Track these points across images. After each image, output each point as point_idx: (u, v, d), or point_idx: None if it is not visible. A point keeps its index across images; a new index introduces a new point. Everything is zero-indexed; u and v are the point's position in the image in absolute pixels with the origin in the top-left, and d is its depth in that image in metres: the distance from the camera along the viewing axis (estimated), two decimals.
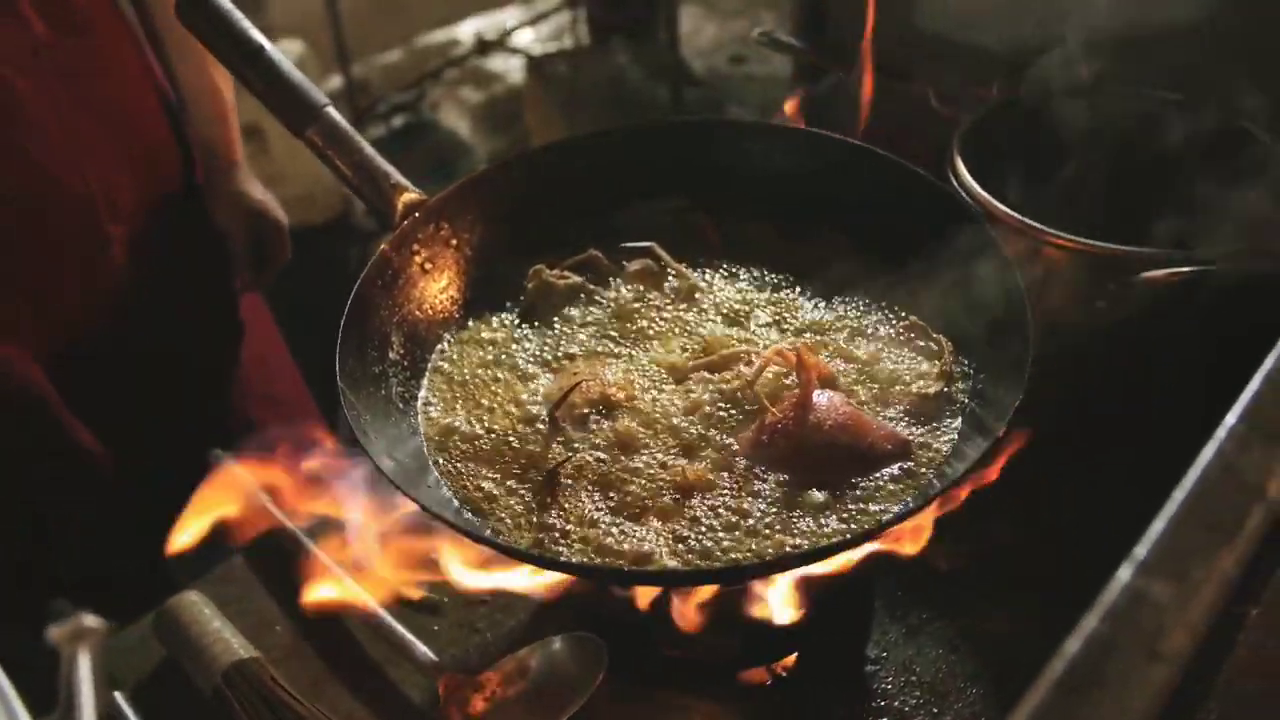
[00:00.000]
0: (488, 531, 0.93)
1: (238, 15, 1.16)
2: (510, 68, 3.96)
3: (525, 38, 4.22)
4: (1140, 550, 0.54)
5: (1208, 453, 0.60)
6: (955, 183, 1.26)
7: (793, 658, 1.13)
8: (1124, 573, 0.53)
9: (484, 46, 4.03)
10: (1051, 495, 1.29)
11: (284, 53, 3.37)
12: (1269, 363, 0.66)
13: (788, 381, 1.01)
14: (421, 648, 1.15)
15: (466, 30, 4.28)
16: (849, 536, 0.87)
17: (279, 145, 3.12)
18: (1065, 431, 1.28)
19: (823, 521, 0.91)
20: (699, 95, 3.10)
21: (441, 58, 4.09)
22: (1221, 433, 0.62)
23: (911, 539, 1.05)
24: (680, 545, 0.91)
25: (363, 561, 1.18)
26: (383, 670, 1.20)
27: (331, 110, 1.15)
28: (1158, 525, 0.56)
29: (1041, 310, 1.22)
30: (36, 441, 1.59)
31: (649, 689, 1.13)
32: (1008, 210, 1.20)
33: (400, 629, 1.17)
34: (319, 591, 1.18)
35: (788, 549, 0.89)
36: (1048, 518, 1.27)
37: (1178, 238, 1.19)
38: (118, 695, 1.15)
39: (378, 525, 1.12)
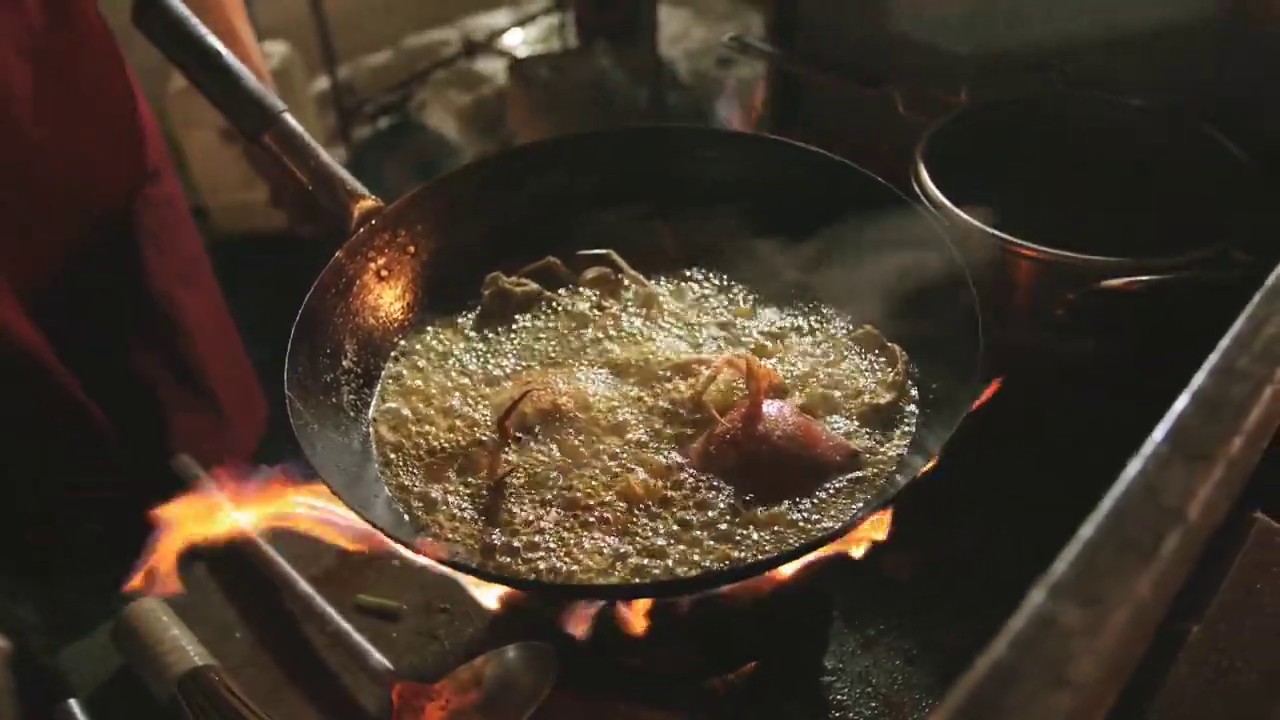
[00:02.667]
0: (429, 539, 0.93)
1: (194, 21, 1.15)
2: (498, 70, 3.95)
3: (513, 40, 4.21)
4: (1053, 572, 0.54)
5: (1130, 471, 0.59)
6: (918, 189, 1.25)
7: (750, 668, 1.12)
8: (1035, 596, 0.52)
9: (471, 48, 4.02)
10: (1015, 505, 1.28)
11: (269, 54, 3.38)
12: (1198, 380, 0.65)
13: (739, 391, 1.00)
14: (376, 656, 1.14)
15: (455, 32, 4.27)
16: (789, 550, 0.86)
17: None
18: (1028, 441, 1.28)
19: (769, 533, 0.90)
20: (682, 98, 3.09)
21: (429, 59, 4.08)
22: (1147, 449, 0.61)
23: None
24: (626, 557, 0.91)
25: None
26: (340, 679, 1.19)
27: (288, 116, 1.15)
28: (1072, 547, 0.55)
29: (1003, 319, 1.22)
30: (41, 407, 1.64)
31: (605, 699, 1.12)
32: (968, 218, 1.19)
33: (356, 636, 1.16)
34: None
35: (733, 561, 0.89)
36: (1011, 528, 1.27)
37: (1141, 245, 1.18)
38: (72, 703, 1.15)
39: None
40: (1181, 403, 0.63)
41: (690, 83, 3.30)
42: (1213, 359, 0.67)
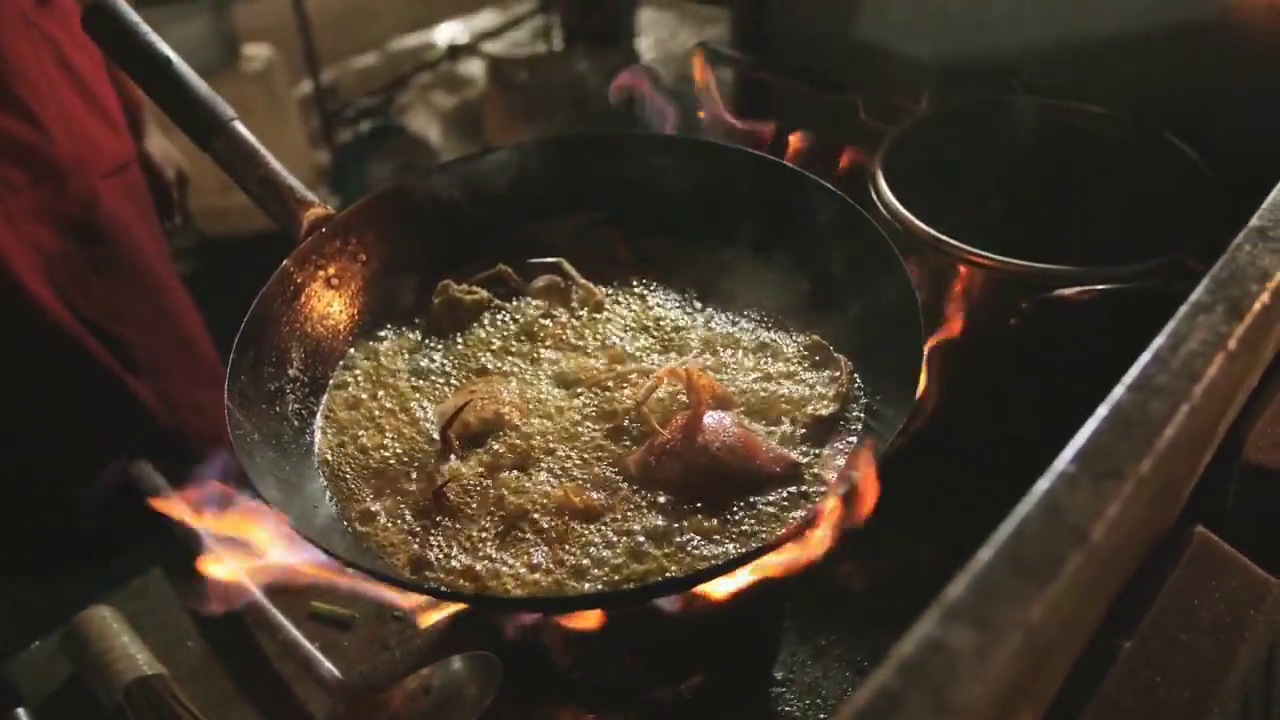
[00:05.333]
0: (367, 551, 0.93)
1: (145, 28, 1.15)
2: (482, 73, 3.94)
3: (499, 43, 4.19)
4: (948, 594, 0.53)
5: (1036, 490, 0.59)
6: (875, 196, 1.25)
7: (698, 679, 1.11)
8: (927, 619, 0.52)
9: (454, 51, 4.01)
10: (975, 515, 1.27)
11: (252, 57, 3.37)
12: (1114, 396, 0.64)
13: (682, 401, 1.00)
14: (326, 665, 1.13)
15: (441, 35, 4.26)
16: (725, 562, 0.86)
17: None
18: (987, 450, 1.27)
19: (707, 545, 0.90)
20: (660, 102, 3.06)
21: (414, 62, 4.07)
22: (1056, 467, 0.60)
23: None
24: (563, 569, 0.90)
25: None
26: (291, 688, 1.19)
27: (238, 124, 1.14)
28: (970, 568, 0.54)
29: (957, 328, 1.21)
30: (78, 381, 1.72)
31: (554, 709, 1.11)
32: (923, 226, 1.19)
33: (306, 645, 1.16)
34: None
35: (669, 573, 0.88)
36: (970, 538, 1.26)
37: (1101, 253, 1.17)
38: (21, 712, 1.15)
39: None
40: (1095, 419, 0.63)
41: (673, 87, 3.27)
42: (1130, 375, 0.66)
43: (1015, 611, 0.52)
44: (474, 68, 4.03)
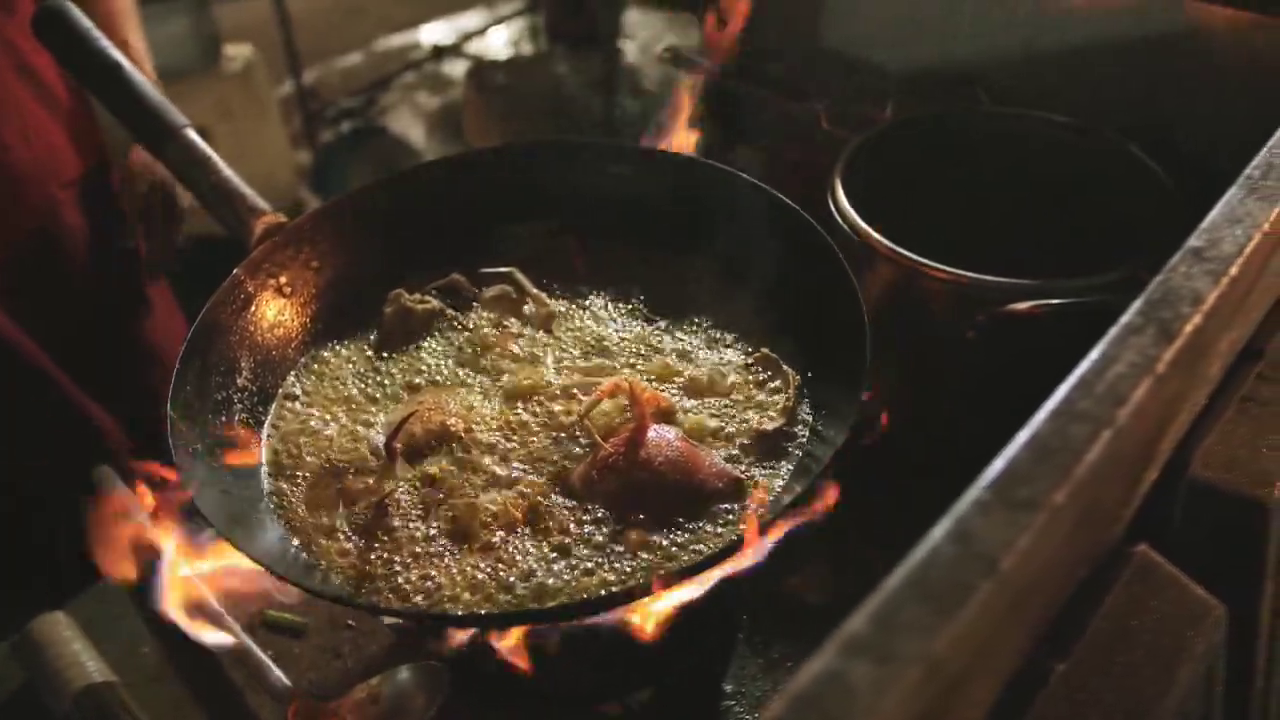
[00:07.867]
0: (310, 564, 0.92)
1: (96, 34, 1.15)
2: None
3: (484, 43, 4.18)
4: (850, 624, 0.52)
5: (950, 517, 0.58)
6: (833, 207, 1.24)
7: (648, 691, 1.11)
8: (827, 650, 0.51)
9: (439, 52, 3.99)
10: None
11: (233, 57, 3.34)
12: (1036, 421, 0.64)
13: (628, 414, 0.99)
14: (276, 672, 1.13)
15: (427, 35, 4.24)
16: (660, 578, 0.85)
17: (226, 145, 3.09)
18: (946, 463, 1.26)
19: (646, 560, 0.89)
20: (639, 106, 3.07)
21: (399, 62, 4.06)
22: (970, 494, 0.60)
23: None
24: (504, 583, 0.90)
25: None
26: (243, 695, 1.18)
27: (190, 131, 1.14)
28: (875, 597, 0.54)
29: (914, 340, 1.21)
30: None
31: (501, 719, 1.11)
32: (880, 238, 1.18)
33: (257, 652, 1.15)
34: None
35: (608, 588, 0.88)
36: None
37: (1063, 265, 1.17)
38: None
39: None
40: (1014, 445, 0.62)
41: (656, 91, 3.27)
42: (1054, 399, 0.66)
43: (918, 643, 0.51)
44: (459, 69, 4.02)
